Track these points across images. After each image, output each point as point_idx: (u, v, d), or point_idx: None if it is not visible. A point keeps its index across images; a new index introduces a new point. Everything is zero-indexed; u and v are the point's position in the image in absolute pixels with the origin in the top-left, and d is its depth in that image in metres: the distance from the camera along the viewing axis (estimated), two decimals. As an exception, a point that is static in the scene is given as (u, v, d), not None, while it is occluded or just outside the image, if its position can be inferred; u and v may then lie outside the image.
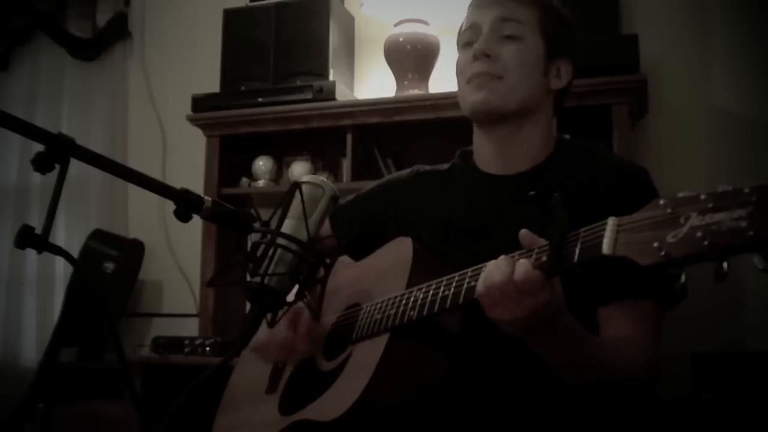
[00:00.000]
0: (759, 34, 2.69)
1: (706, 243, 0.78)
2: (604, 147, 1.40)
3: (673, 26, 2.81)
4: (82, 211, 3.48)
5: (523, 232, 1.06)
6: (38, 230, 1.01)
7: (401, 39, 2.89)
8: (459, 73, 1.44)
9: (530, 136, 1.40)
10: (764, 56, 2.68)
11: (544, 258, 1.01)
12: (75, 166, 1.04)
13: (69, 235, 3.46)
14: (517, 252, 1.06)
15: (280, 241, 1.15)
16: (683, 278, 0.83)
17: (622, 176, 1.32)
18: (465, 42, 1.43)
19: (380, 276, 1.39)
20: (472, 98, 1.39)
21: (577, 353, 1.14)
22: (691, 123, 2.75)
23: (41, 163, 1.03)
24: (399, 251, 1.37)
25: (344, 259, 1.55)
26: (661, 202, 0.84)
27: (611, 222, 0.92)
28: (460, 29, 1.48)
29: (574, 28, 1.47)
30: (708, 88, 2.75)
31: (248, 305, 1.18)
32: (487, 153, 1.44)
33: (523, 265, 1.02)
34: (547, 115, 1.43)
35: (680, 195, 0.82)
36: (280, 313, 1.19)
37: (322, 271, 1.23)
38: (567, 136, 2.10)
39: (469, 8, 1.47)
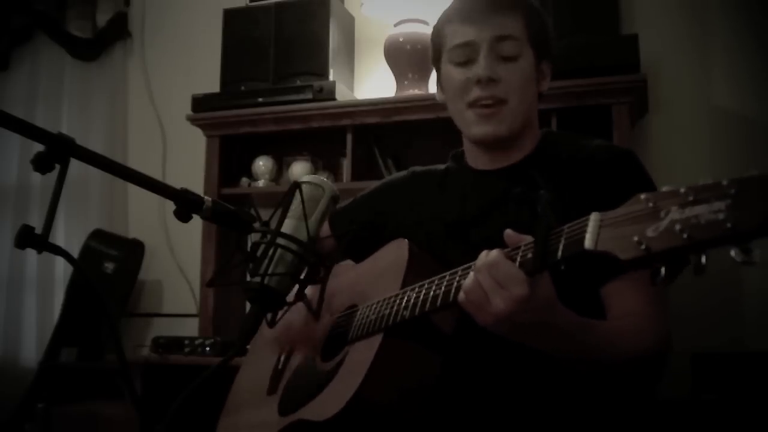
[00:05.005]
0: (759, 35, 2.69)
1: (685, 236, 0.78)
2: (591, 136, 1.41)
3: (673, 26, 2.81)
4: (82, 211, 3.48)
5: (508, 232, 1.07)
6: (38, 230, 1.02)
7: (401, 39, 2.88)
8: (457, 92, 1.40)
9: (521, 137, 1.41)
10: (764, 56, 2.68)
11: (530, 255, 1.01)
12: (75, 166, 1.04)
13: (69, 235, 3.46)
14: (505, 250, 1.06)
15: (280, 241, 1.15)
16: (663, 272, 0.83)
17: (613, 154, 1.34)
18: (461, 61, 1.39)
19: (377, 277, 1.39)
20: (479, 130, 1.38)
21: (578, 345, 1.13)
22: (691, 123, 2.75)
23: (41, 163, 1.03)
24: (395, 253, 1.37)
25: (345, 262, 1.56)
26: (643, 196, 0.85)
27: (593, 217, 0.92)
28: (446, 40, 1.42)
29: (548, 23, 1.45)
30: (708, 88, 2.75)
31: (248, 305, 1.18)
32: (479, 155, 1.45)
33: (493, 254, 1.03)
34: (536, 114, 1.45)
35: (663, 189, 0.83)
36: (280, 313, 1.19)
37: (322, 272, 1.23)
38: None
39: (453, 18, 1.41)
